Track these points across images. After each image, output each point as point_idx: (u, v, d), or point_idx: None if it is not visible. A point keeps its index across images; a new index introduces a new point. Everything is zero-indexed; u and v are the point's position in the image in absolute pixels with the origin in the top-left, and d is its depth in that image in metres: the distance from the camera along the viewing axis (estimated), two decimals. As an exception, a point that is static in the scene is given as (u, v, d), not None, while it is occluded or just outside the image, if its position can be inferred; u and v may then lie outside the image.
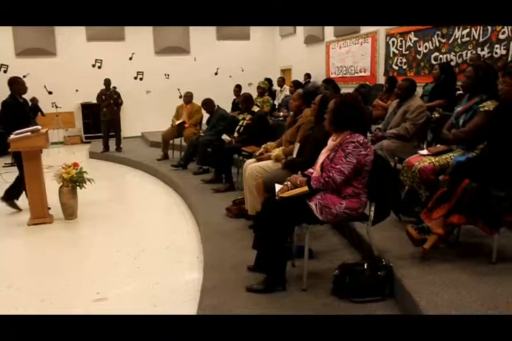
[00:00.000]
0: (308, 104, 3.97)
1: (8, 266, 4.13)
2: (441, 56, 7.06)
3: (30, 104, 5.88)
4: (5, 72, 11.65)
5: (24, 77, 11.64)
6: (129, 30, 12.24)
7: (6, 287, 3.58)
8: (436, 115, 4.62)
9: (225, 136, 6.07)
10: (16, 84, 5.49)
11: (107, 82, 9.65)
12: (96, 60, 12.28)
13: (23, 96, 5.69)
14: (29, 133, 5.15)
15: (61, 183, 5.26)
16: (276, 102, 9.22)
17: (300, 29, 11.69)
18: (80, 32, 11.88)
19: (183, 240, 4.48)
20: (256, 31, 13.26)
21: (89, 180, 5.30)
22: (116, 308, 3.13)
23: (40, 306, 3.23)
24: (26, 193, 5.29)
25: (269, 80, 9.78)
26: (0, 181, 6.26)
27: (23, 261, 4.17)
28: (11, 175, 6.73)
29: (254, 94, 7.79)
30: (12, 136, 5.13)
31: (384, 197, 2.96)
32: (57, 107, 11.54)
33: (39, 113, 9.94)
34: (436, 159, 3.49)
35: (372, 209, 2.95)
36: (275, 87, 10.24)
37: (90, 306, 3.18)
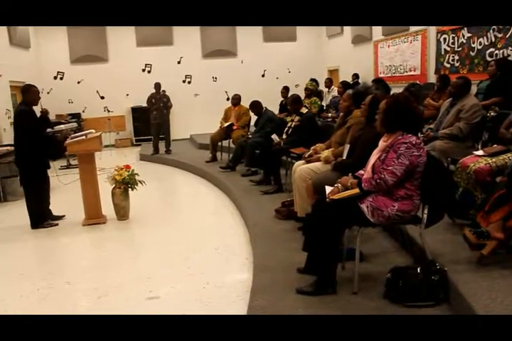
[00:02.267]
0: (358, 105, 3.92)
1: (66, 264, 4.32)
2: (497, 52, 6.79)
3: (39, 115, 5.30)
4: (61, 78, 12.19)
5: (78, 83, 12.20)
6: (177, 35, 12.50)
7: (65, 283, 3.74)
8: (492, 114, 4.45)
9: (274, 136, 6.08)
10: (31, 93, 5.16)
11: (158, 85, 9.88)
12: (146, 64, 12.60)
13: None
14: (84, 137, 5.36)
15: (114, 185, 5.42)
16: (323, 103, 9.15)
17: (347, 29, 11.55)
18: (130, 38, 12.25)
19: (233, 241, 4.53)
20: (302, 32, 13.22)
21: (140, 181, 5.44)
22: (168, 307, 3.20)
23: (97, 303, 3.35)
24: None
25: (315, 81, 9.71)
26: (58, 184, 6.51)
27: (79, 260, 4.33)
28: (68, 177, 7.05)
29: (302, 96, 7.76)
30: (68, 140, 5.35)
31: (437, 199, 2.88)
32: (108, 111, 11.92)
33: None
34: (493, 160, 3.36)
35: (426, 211, 2.88)
36: (320, 87, 10.15)
37: (144, 304, 3.27)
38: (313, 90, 8.58)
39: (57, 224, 5.34)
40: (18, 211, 5.86)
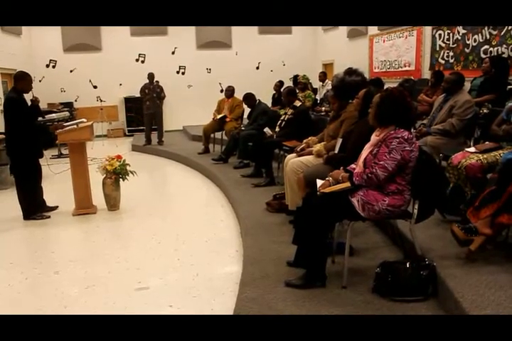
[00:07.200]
0: (344, 98, 3.96)
1: (55, 253, 4.28)
2: (491, 49, 6.80)
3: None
4: (53, 67, 12.06)
5: (71, 71, 12.08)
6: (172, 25, 12.39)
7: (53, 273, 3.72)
8: (485, 110, 4.46)
9: (266, 129, 6.07)
10: (24, 82, 5.00)
11: (151, 76, 9.81)
12: (139, 54, 12.50)
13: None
14: (75, 126, 5.32)
15: (105, 175, 5.40)
16: (317, 97, 9.14)
17: (343, 22, 11.51)
18: (124, 27, 12.10)
19: (223, 233, 4.52)
20: (298, 25, 13.17)
21: (131, 172, 5.41)
22: (157, 298, 3.19)
23: (85, 292, 3.33)
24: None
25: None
26: (49, 173, 6.45)
27: (69, 249, 4.31)
28: (59, 166, 7.01)
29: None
30: (59, 130, 5.29)
31: (428, 195, 2.88)
32: (101, 101, 11.82)
33: None
34: (484, 156, 3.37)
35: (416, 206, 2.88)
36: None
37: (132, 295, 3.26)
38: (306, 83, 8.56)
39: (49, 217, 5.25)
40: (8, 199, 5.81)
